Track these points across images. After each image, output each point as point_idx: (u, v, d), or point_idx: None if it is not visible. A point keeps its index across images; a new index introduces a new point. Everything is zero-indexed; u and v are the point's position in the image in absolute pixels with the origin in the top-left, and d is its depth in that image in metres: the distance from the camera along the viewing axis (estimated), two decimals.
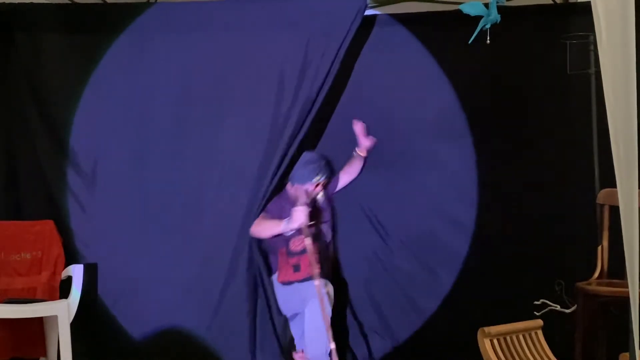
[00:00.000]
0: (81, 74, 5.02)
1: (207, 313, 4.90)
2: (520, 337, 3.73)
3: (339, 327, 4.90)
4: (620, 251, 3.05)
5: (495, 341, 3.62)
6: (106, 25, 5.04)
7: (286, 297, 4.76)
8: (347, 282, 5.10)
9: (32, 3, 5.01)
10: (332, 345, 4.40)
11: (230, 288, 4.87)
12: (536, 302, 4.67)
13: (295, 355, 4.73)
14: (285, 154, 4.88)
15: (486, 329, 3.60)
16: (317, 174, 4.80)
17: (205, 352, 4.88)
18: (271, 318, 4.82)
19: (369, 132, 4.96)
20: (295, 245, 4.73)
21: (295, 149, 4.89)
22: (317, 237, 4.74)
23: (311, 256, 4.52)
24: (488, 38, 3.92)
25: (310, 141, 5.01)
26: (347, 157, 5.01)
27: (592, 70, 4.81)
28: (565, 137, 5.03)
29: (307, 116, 4.88)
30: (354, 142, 4.96)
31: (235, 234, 4.89)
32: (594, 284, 4.37)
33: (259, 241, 4.87)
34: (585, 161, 4.91)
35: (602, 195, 4.60)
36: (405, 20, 5.13)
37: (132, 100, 5.03)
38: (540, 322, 3.88)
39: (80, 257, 4.93)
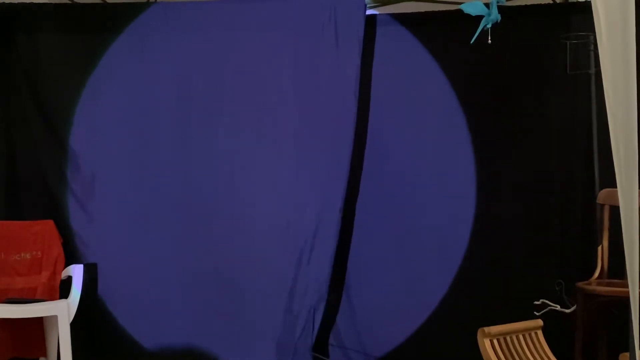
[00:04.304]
0: (81, 73, 5.01)
1: (208, 315, 4.90)
2: (520, 337, 3.73)
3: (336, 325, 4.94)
4: (620, 251, 3.05)
5: (495, 341, 3.62)
6: (106, 25, 5.04)
7: None
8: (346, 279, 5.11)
9: (32, 3, 5.01)
10: None
11: (230, 288, 4.89)
12: (536, 302, 4.67)
13: None
14: (288, 155, 4.89)
15: (486, 329, 3.60)
16: None
17: (207, 354, 4.89)
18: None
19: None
20: None
21: (299, 151, 4.90)
22: None
23: None
24: (489, 38, 3.92)
25: (310, 140, 5.00)
26: None
27: (592, 70, 4.80)
28: (565, 137, 5.03)
29: (309, 117, 4.88)
30: None
31: (236, 234, 4.90)
32: (594, 284, 4.37)
33: None
34: (585, 161, 4.91)
35: (602, 195, 4.60)
36: (405, 20, 5.13)
37: (132, 100, 5.03)
38: (540, 322, 3.88)
39: (80, 257, 4.93)
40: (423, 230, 5.10)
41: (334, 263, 4.80)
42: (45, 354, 4.79)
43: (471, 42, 3.98)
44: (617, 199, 3.05)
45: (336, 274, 4.86)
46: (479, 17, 3.97)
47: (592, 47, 4.78)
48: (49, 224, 4.92)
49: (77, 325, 4.56)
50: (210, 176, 4.98)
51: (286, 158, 4.93)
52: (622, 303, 3.52)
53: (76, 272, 4.68)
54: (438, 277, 5.08)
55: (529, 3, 4.99)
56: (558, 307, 4.62)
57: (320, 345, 4.80)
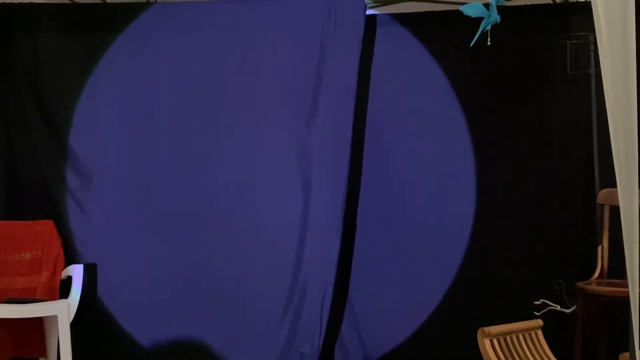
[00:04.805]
0: (81, 73, 5.02)
1: (208, 315, 4.90)
2: (520, 337, 3.73)
3: (335, 326, 4.93)
4: (620, 251, 3.05)
5: (495, 341, 3.61)
6: (106, 25, 5.05)
7: None
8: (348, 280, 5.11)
9: (32, 3, 5.01)
10: None
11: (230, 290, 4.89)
12: (536, 302, 4.67)
13: None
14: (287, 155, 4.89)
15: (486, 329, 3.60)
16: None
17: (206, 354, 4.89)
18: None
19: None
20: None
21: (299, 151, 4.90)
22: None
23: None
24: (489, 39, 3.92)
25: (310, 140, 5.00)
26: None
27: (592, 70, 4.80)
28: (565, 137, 5.03)
29: (309, 117, 4.88)
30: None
31: (236, 233, 4.90)
32: (594, 284, 4.37)
33: None
34: (585, 161, 4.91)
35: (602, 195, 4.60)
36: (405, 20, 5.13)
37: (132, 100, 5.04)
38: (540, 322, 3.88)
39: (79, 257, 4.93)
40: (423, 231, 5.10)
41: (338, 267, 4.80)
42: (45, 354, 4.79)
43: (471, 44, 3.98)
44: (617, 199, 3.04)
45: (340, 278, 4.87)
46: (479, 18, 3.98)
47: (592, 47, 4.78)
48: (49, 224, 4.92)
49: (77, 325, 4.56)
50: (209, 176, 4.98)
51: (286, 158, 4.93)
52: (622, 303, 3.52)
53: (76, 272, 4.68)
54: (438, 277, 5.08)
55: (529, 3, 4.99)
56: (558, 307, 4.62)
57: (326, 355, 4.80)
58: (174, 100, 5.03)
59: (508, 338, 3.67)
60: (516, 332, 3.72)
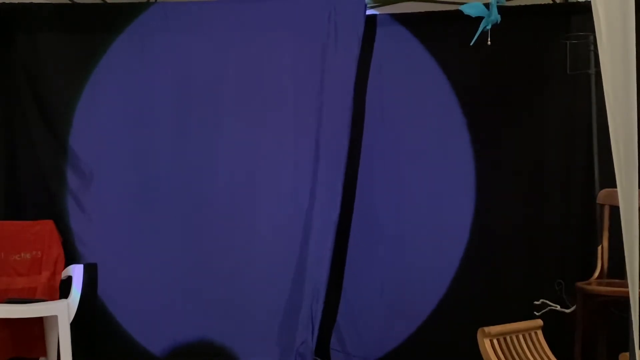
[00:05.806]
0: (81, 73, 5.02)
1: (209, 314, 4.91)
2: (520, 337, 3.74)
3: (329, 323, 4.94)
4: (620, 251, 3.06)
5: (495, 341, 3.62)
6: (106, 25, 5.05)
7: None
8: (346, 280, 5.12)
9: (32, 3, 5.02)
10: None
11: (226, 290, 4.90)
12: (536, 302, 4.68)
13: None
14: (287, 155, 4.89)
15: (486, 329, 3.60)
16: None
17: (206, 353, 4.90)
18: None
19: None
20: None
21: (298, 151, 4.90)
22: None
23: None
24: (489, 39, 3.93)
25: (310, 139, 5.00)
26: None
27: (592, 70, 4.81)
28: (565, 137, 5.03)
29: (308, 117, 4.88)
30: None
31: (236, 233, 4.90)
32: (594, 284, 4.37)
33: None
34: (585, 161, 4.91)
35: (602, 195, 4.60)
36: (405, 20, 5.13)
37: (132, 100, 5.04)
38: (540, 322, 3.88)
39: (80, 257, 4.93)
40: (422, 230, 5.10)
41: (332, 264, 4.80)
42: (45, 354, 4.80)
43: (471, 44, 3.99)
44: (617, 199, 3.05)
45: (334, 275, 4.86)
46: (479, 17, 3.98)
47: (592, 47, 4.78)
48: (49, 224, 4.92)
49: (77, 325, 4.56)
50: (210, 176, 4.99)
51: (285, 158, 4.93)
52: (622, 303, 3.52)
53: (76, 272, 4.68)
54: (438, 277, 5.08)
55: (529, 3, 4.99)
56: (558, 307, 4.62)
57: (322, 348, 4.80)
58: (174, 100, 5.03)
59: (508, 338, 3.68)
60: (516, 332, 3.73)
